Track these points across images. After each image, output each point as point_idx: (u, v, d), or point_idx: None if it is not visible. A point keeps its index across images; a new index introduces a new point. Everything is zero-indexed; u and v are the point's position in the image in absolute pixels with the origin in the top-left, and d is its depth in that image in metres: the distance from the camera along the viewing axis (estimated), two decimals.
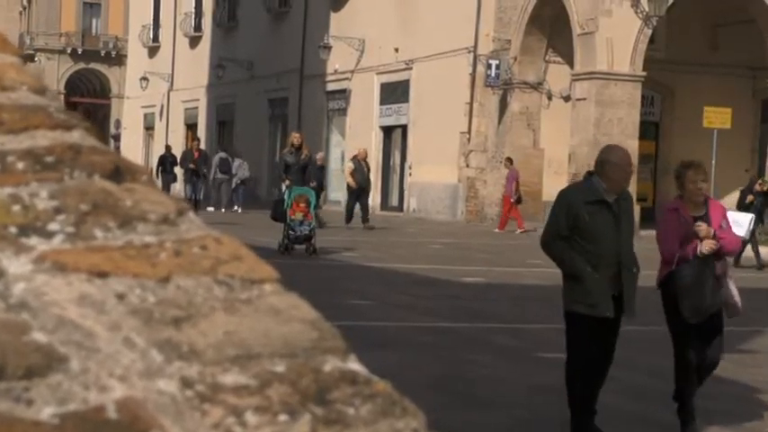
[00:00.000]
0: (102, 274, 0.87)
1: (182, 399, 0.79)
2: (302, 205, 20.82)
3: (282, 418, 0.81)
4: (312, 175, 22.91)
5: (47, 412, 0.76)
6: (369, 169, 32.51)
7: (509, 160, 33.31)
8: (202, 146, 42.99)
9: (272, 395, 0.81)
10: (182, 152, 41.67)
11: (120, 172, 0.99)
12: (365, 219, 30.56)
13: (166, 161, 43.33)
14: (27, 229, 0.92)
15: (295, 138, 23.44)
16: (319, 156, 32.55)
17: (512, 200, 32.06)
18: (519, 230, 31.07)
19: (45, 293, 0.85)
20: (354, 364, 0.87)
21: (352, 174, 31.77)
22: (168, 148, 46.91)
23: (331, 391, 0.83)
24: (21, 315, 0.83)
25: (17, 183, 0.95)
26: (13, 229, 0.91)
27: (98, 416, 0.76)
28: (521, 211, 32.09)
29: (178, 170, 40.28)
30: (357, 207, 30.92)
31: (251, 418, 0.80)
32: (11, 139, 1.00)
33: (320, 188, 29.17)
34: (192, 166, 32.91)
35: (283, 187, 22.21)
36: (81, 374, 0.80)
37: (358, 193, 31.40)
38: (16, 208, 0.93)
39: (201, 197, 33.02)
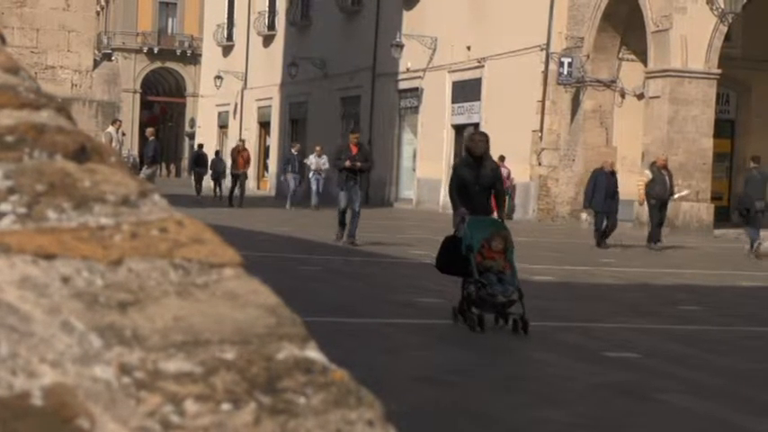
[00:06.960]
0: (49, 257, 0.84)
1: (117, 386, 0.76)
2: (499, 247, 12.61)
3: (225, 407, 0.76)
4: (501, 199, 13.60)
5: None
6: (671, 177, 26.77)
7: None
8: (273, 143, 42.24)
9: (217, 383, 0.77)
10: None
11: (85, 152, 0.96)
12: (658, 238, 26.20)
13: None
14: None
15: (478, 142, 13.41)
16: (609, 163, 27.31)
17: None
18: None
19: None
20: (312, 352, 0.82)
21: (647, 185, 26.41)
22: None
23: (282, 380, 0.79)
24: None
25: None
26: None
27: (21, 402, 0.73)
28: None
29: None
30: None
31: (191, 406, 0.76)
32: None
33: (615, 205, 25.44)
34: (347, 164, 22.62)
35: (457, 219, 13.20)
36: (9, 359, 0.76)
37: (659, 206, 26.28)
38: None
39: (358, 208, 22.83)
